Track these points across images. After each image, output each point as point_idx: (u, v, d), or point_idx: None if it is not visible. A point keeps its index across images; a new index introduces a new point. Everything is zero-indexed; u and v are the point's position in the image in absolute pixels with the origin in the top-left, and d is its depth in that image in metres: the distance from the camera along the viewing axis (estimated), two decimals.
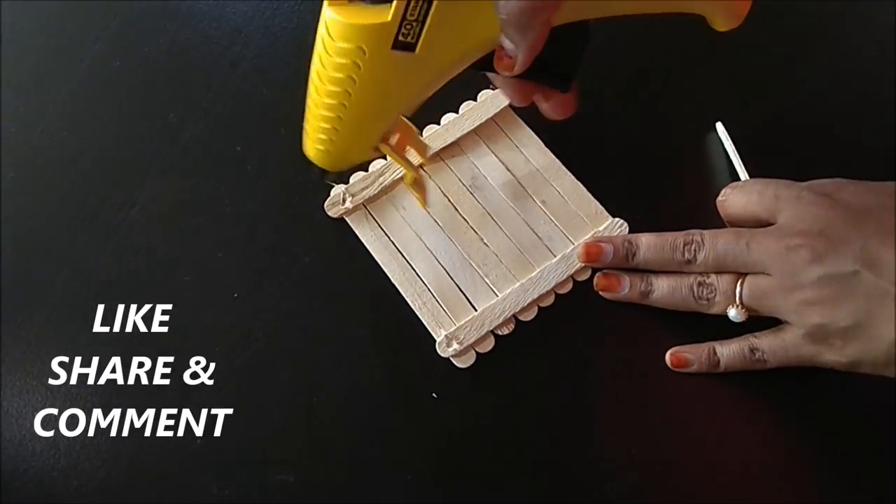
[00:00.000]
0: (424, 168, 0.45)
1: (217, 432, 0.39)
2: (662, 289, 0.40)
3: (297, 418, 0.39)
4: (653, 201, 0.44)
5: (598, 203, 0.44)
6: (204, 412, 0.39)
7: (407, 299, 0.42)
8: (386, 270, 0.42)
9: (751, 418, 0.39)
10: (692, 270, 0.39)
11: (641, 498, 0.38)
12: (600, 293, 0.41)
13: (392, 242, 0.43)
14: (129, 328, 0.42)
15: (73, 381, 0.40)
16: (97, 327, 0.42)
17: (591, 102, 0.47)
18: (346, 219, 0.44)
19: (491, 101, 0.46)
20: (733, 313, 0.38)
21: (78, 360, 0.41)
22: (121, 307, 0.42)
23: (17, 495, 0.38)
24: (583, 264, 0.42)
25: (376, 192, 0.44)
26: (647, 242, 0.40)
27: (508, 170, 0.45)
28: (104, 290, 0.43)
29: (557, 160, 0.45)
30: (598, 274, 0.42)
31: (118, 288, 0.43)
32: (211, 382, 0.40)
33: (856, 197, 0.36)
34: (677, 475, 0.38)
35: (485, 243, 0.43)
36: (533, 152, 0.45)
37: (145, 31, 0.51)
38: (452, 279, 0.42)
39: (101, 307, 0.42)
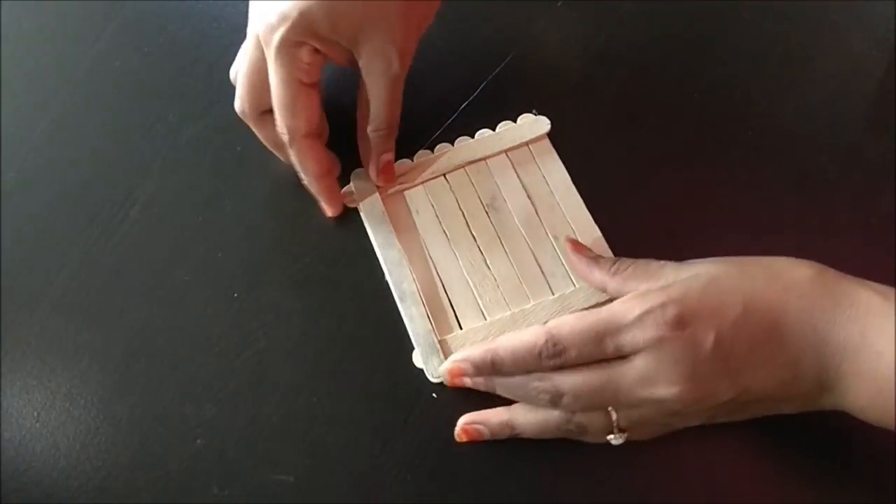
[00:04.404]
0: (447, 177, 0.45)
1: (217, 433, 0.39)
2: (530, 430, 0.38)
3: (296, 418, 0.39)
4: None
5: (611, 252, 0.43)
6: (204, 412, 0.39)
7: (397, 303, 0.41)
8: (384, 269, 0.42)
9: (745, 429, 0.39)
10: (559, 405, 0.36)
11: (640, 497, 0.38)
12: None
13: (397, 241, 0.43)
14: (129, 328, 0.42)
15: (74, 381, 0.40)
16: (97, 327, 0.42)
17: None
18: (359, 205, 0.44)
19: (530, 126, 0.46)
20: (616, 441, 0.36)
21: (78, 360, 0.41)
22: (121, 307, 0.42)
23: (17, 495, 0.38)
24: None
25: (393, 191, 0.44)
26: (506, 385, 0.38)
27: (529, 197, 0.44)
28: (104, 290, 0.43)
29: (580, 199, 0.44)
30: (457, 430, 0.39)
31: (118, 287, 0.43)
32: (211, 382, 0.40)
33: (705, 324, 0.34)
34: (676, 473, 0.39)
35: (487, 265, 0.43)
36: (558, 185, 0.45)
37: (145, 31, 0.51)
38: (446, 293, 0.42)
39: (100, 307, 0.42)
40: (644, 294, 0.35)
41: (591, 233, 0.43)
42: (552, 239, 0.43)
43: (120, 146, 0.47)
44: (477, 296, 0.42)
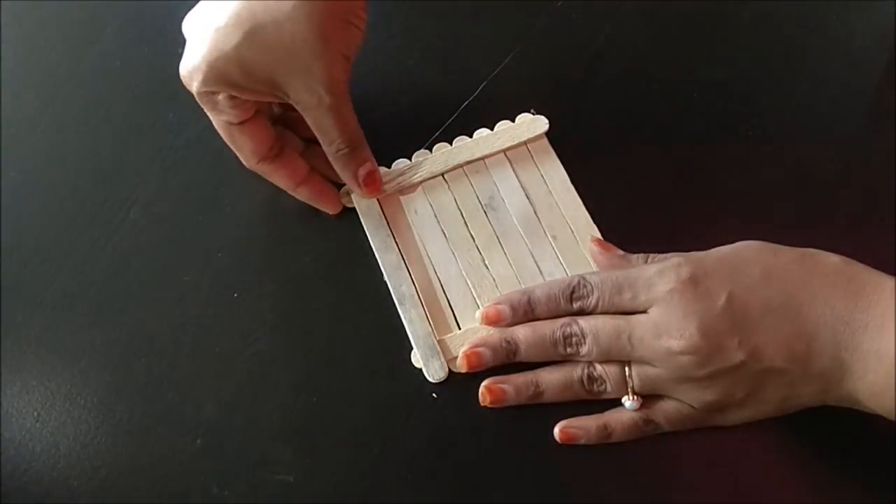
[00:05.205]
0: (445, 177, 0.45)
1: (217, 433, 0.39)
2: (553, 388, 0.39)
3: (296, 418, 0.39)
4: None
5: None
6: (204, 412, 0.39)
7: (395, 303, 0.41)
8: (382, 269, 0.42)
9: (746, 429, 0.39)
10: (578, 360, 0.39)
11: (640, 497, 0.38)
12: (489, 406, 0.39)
13: (396, 243, 0.43)
14: (129, 328, 0.42)
15: (74, 380, 0.40)
16: (97, 327, 0.42)
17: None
18: (357, 206, 0.44)
19: (528, 125, 0.46)
20: (629, 404, 0.37)
21: (78, 360, 0.41)
22: (121, 307, 0.42)
23: (17, 495, 0.38)
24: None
25: (391, 191, 0.44)
26: (526, 339, 0.39)
27: (528, 197, 0.44)
28: (104, 290, 0.43)
29: (579, 198, 0.44)
30: (481, 389, 0.39)
31: (118, 287, 0.43)
32: (211, 382, 0.40)
33: (720, 283, 0.35)
34: (676, 474, 0.39)
35: (485, 265, 0.43)
36: (556, 185, 0.45)
37: (145, 31, 0.51)
38: (445, 293, 0.42)
39: (100, 307, 0.42)
40: (665, 257, 0.39)
41: (589, 232, 0.43)
42: (550, 238, 0.43)
43: (120, 146, 0.47)
44: (475, 296, 0.42)
